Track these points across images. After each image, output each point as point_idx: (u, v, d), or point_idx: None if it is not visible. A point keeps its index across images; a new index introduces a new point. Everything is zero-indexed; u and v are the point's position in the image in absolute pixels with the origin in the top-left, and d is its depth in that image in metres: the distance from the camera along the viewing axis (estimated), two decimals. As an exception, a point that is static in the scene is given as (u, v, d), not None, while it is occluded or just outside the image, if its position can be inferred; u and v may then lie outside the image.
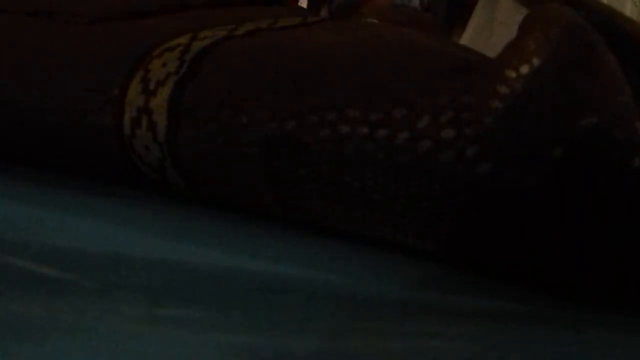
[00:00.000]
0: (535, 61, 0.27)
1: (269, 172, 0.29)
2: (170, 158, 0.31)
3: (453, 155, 0.26)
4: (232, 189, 0.31)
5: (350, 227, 0.30)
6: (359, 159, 0.28)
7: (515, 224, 0.27)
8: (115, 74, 0.32)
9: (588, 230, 0.26)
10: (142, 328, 0.24)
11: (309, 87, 0.29)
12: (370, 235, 0.30)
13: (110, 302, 0.26)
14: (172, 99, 0.31)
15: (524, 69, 0.27)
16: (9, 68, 0.34)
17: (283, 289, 0.28)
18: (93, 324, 0.24)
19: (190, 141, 0.31)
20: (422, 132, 0.27)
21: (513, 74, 0.27)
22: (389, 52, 0.31)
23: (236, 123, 0.30)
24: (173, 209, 0.33)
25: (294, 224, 0.31)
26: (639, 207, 0.26)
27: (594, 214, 0.26)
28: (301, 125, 0.29)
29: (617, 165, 0.25)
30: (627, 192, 0.26)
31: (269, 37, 0.33)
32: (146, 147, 0.32)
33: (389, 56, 0.30)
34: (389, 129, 0.27)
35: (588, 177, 0.26)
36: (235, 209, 0.32)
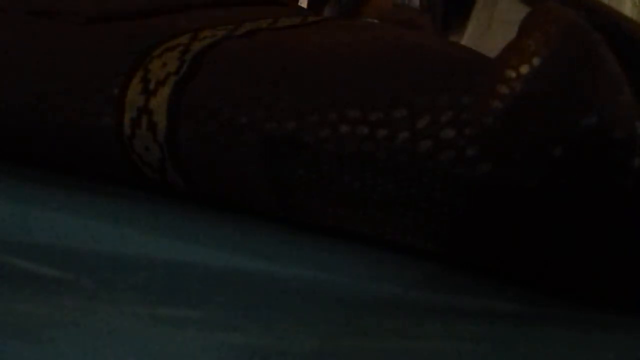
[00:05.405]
0: (535, 61, 0.27)
1: (269, 172, 0.29)
2: (170, 158, 0.31)
3: (453, 155, 0.26)
4: (232, 189, 0.31)
5: (350, 227, 0.30)
6: (359, 159, 0.28)
7: (515, 223, 0.27)
8: (115, 74, 0.32)
9: (588, 230, 0.26)
10: (142, 328, 0.24)
11: (309, 87, 0.29)
12: (370, 235, 0.30)
13: (110, 302, 0.25)
14: (172, 99, 0.31)
15: (524, 69, 0.26)
16: (8, 68, 0.34)
17: (283, 289, 0.27)
18: (93, 324, 0.24)
19: (190, 141, 0.31)
20: (422, 132, 0.27)
21: (513, 74, 0.26)
22: (389, 52, 0.31)
23: (236, 123, 0.30)
24: (173, 209, 0.33)
25: (294, 224, 0.31)
26: (639, 207, 0.26)
27: (594, 214, 0.26)
28: (301, 125, 0.29)
29: (617, 165, 0.25)
30: (627, 192, 0.26)
31: (269, 37, 0.33)
32: (146, 147, 0.32)
33: (389, 56, 0.30)
34: (389, 129, 0.27)
35: (588, 177, 0.26)
36: (235, 209, 0.32)
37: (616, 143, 0.25)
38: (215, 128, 0.30)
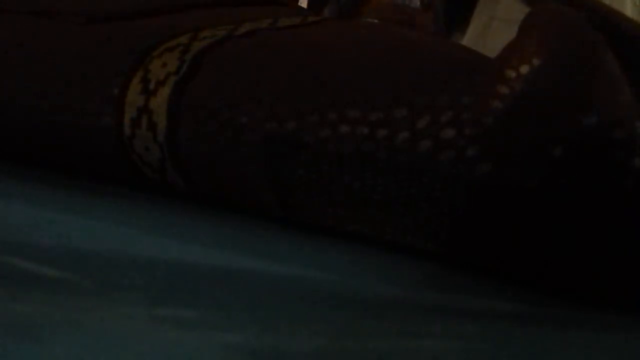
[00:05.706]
0: (535, 61, 0.27)
1: (269, 172, 0.29)
2: (170, 158, 0.31)
3: (453, 155, 0.26)
4: (232, 189, 0.31)
5: (350, 227, 0.30)
6: (359, 159, 0.28)
7: (515, 223, 0.27)
8: (115, 74, 0.32)
9: (588, 230, 0.26)
10: (142, 328, 0.24)
11: (309, 87, 0.29)
12: (370, 235, 0.30)
13: (110, 302, 0.25)
14: (172, 99, 0.31)
15: (524, 69, 0.26)
16: (8, 68, 0.34)
17: (283, 289, 0.27)
18: (93, 324, 0.24)
19: (190, 141, 0.31)
20: (422, 132, 0.27)
21: (513, 74, 0.27)
22: (389, 52, 0.31)
23: (236, 123, 0.30)
24: (173, 209, 0.33)
25: (294, 224, 0.31)
26: (639, 207, 0.26)
27: (593, 214, 0.26)
28: (301, 125, 0.29)
29: (617, 165, 0.25)
30: (627, 192, 0.26)
31: (269, 37, 0.33)
32: (146, 147, 0.32)
33: (389, 56, 0.30)
34: (389, 129, 0.27)
35: (588, 177, 0.26)
36: (235, 209, 0.32)
37: (616, 143, 0.25)
38: (215, 128, 0.30)
